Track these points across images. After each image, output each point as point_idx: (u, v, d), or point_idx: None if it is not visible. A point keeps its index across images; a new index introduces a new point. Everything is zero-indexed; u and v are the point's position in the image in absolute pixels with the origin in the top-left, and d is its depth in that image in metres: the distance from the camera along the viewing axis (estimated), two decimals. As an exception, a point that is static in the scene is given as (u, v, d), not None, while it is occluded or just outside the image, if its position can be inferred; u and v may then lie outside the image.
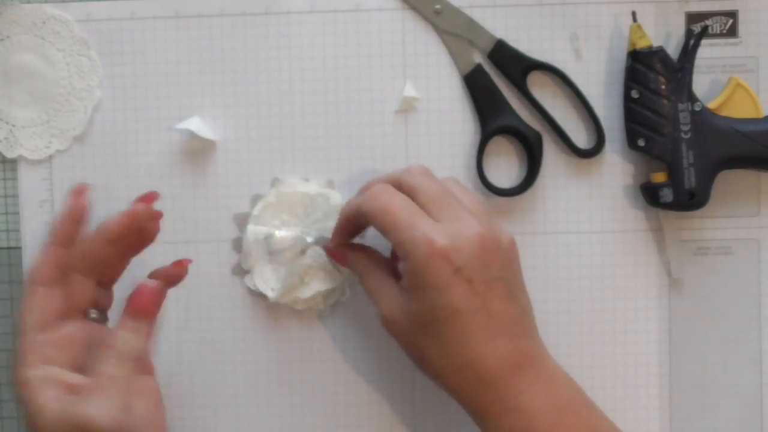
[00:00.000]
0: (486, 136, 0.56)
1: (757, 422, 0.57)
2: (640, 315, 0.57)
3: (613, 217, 0.57)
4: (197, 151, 0.58)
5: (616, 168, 0.57)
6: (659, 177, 0.55)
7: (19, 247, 0.58)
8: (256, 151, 0.57)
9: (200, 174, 0.58)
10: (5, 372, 0.58)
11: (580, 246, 0.57)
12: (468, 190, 0.52)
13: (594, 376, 0.57)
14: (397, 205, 0.48)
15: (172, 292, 0.56)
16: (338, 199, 0.56)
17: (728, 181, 0.56)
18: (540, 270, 0.57)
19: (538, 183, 0.57)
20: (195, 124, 0.56)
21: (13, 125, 0.57)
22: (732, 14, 0.56)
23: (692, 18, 0.57)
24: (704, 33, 0.55)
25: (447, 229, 0.47)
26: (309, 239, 0.54)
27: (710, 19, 0.56)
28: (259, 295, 0.56)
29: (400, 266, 0.48)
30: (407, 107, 0.57)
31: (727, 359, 0.57)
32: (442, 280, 0.46)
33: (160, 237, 0.57)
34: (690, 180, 0.54)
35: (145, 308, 0.48)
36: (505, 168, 0.57)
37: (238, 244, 0.57)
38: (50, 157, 0.58)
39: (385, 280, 0.50)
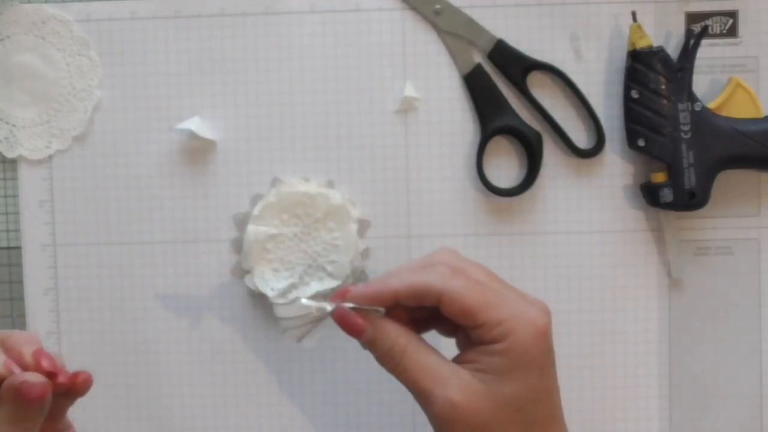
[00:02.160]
0: (486, 136, 0.56)
1: (757, 422, 0.57)
2: (640, 315, 0.57)
3: (613, 217, 0.57)
4: (197, 151, 0.58)
5: (616, 168, 0.57)
6: (659, 177, 0.55)
7: (19, 247, 0.58)
8: (256, 151, 0.57)
9: (200, 174, 0.58)
10: (5, 372, 0.58)
11: (580, 246, 0.57)
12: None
13: (594, 376, 0.57)
14: (482, 281, 0.44)
15: (172, 292, 0.56)
16: (338, 199, 0.56)
17: (728, 181, 0.56)
18: (540, 270, 0.57)
19: (538, 183, 0.57)
20: (195, 124, 0.56)
21: (13, 125, 0.57)
22: (732, 14, 0.56)
23: (692, 18, 0.57)
24: (704, 33, 0.55)
25: (529, 307, 0.44)
26: (329, 308, 0.45)
27: (710, 19, 0.56)
28: (259, 295, 0.56)
29: (493, 347, 0.43)
30: (407, 107, 0.57)
31: (727, 359, 0.57)
32: (544, 359, 0.44)
33: (161, 237, 0.58)
34: (690, 180, 0.54)
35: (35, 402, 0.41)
36: (505, 168, 0.57)
37: (237, 245, 0.57)
38: (50, 157, 0.58)
39: (443, 361, 0.44)
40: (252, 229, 0.55)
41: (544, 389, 0.44)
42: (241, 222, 0.57)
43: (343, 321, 0.44)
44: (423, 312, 0.46)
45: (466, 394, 0.43)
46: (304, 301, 0.45)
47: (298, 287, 0.56)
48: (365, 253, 0.57)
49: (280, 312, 0.46)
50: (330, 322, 0.45)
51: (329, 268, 0.56)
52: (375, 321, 0.44)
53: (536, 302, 0.45)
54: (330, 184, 0.57)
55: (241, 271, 0.57)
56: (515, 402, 0.43)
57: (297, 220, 0.56)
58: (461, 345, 0.47)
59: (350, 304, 0.44)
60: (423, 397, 0.43)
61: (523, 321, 0.43)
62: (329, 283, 0.56)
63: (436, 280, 0.44)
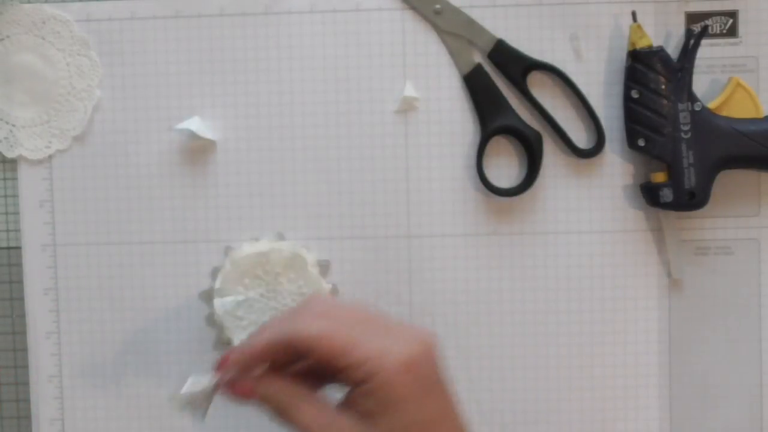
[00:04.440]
0: (486, 136, 0.56)
1: (757, 422, 0.57)
2: (640, 315, 0.57)
3: (613, 217, 0.57)
4: (197, 151, 0.58)
5: (616, 168, 0.57)
6: (659, 177, 0.55)
7: (19, 247, 0.58)
8: (256, 151, 0.57)
9: (200, 174, 0.58)
10: (5, 372, 0.58)
11: (580, 246, 0.57)
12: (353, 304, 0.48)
13: (594, 376, 0.57)
14: (347, 321, 0.44)
15: (172, 292, 0.57)
16: (290, 249, 0.56)
17: (728, 181, 0.56)
18: (540, 270, 0.57)
19: (538, 183, 0.57)
20: (195, 124, 0.56)
21: (13, 125, 0.57)
22: (732, 14, 0.56)
23: (692, 18, 0.57)
24: (704, 33, 0.55)
25: (397, 340, 0.43)
26: (210, 384, 0.45)
27: (710, 19, 0.56)
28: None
29: (362, 389, 0.42)
30: (407, 107, 0.57)
31: (727, 359, 0.57)
32: (414, 393, 0.42)
33: (161, 237, 0.58)
34: (690, 180, 0.54)
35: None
36: (505, 168, 0.57)
37: (212, 320, 0.57)
38: (50, 157, 0.58)
39: (327, 408, 0.44)
40: (218, 302, 0.55)
41: (424, 422, 0.43)
42: (208, 298, 0.57)
43: (231, 390, 0.45)
44: (308, 364, 0.46)
45: None
46: (185, 389, 0.45)
47: None
48: (333, 292, 0.57)
49: (176, 408, 0.46)
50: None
51: None
52: (262, 380, 0.45)
53: (410, 335, 0.44)
54: (280, 236, 0.57)
55: (222, 345, 0.57)
56: None
57: (259, 280, 0.56)
58: None
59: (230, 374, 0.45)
60: None
61: (388, 358, 0.42)
62: None
63: (299, 327, 0.43)
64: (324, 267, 0.57)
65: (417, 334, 0.44)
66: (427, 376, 0.43)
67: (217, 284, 0.56)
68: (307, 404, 0.44)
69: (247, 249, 0.56)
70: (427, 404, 0.43)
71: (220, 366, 0.45)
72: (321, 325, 0.43)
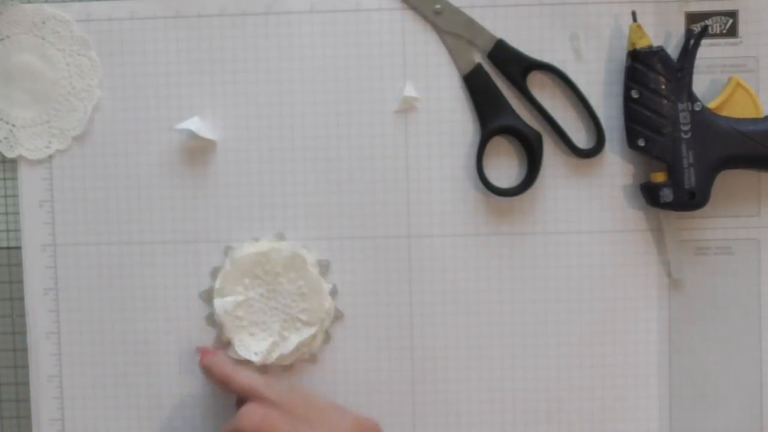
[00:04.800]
0: (486, 136, 0.56)
1: (757, 422, 0.57)
2: (640, 315, 0.57)
3: (613, 217, 0.57)
4: (197, 151, 0.58)
5: (616, 168, 0.57)
6: (659, 177, 0.55)
7: (19, 247, 0.58)
8: (256, 151, 0.57)
9: (200, 174, 0.58)
10: (5, 372, 0.58)
11: (580, 246, 0.57)
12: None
13: (594, 376, 0.57)
14: (275, 423, 0.50)
15: (172, 292, 0.57)
16: (290, 249, 0.56)
17: (728, 181, 0.56)
18: (540, 270, 0.57)
19: (538, 183, 0.57)
20: (195, 124, 0.56)
21: (13, 125, 0.57)
22: (732, 14, 0.56)
23: (692, 18, 0.57)
24: (704, 33, 0.55)
25: (326, 428, 0.51)
26: None
27: (710, 19, 0.56)
28: (245, 361, 0.56)
29: None
30: (407, 107, 0.57)
31: (727, 359, 0.57)
32: None
33: (160, 237, 0.58)
34: (690, 180, 0.54)
35: None
36: (505, 168, 0.57)
37: (212, 320, 0.57)
38: (50, 157, 0.58)
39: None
40: (218, 302, 0.56)
41: None
42: (208, 298, 0.57)
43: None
44: None
45: None
46: None
47: (279, 344, 0.56)
48: (333, 292, 0.57)
49: None
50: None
51: (303, 317, 0.56)
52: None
53: (344, 415, 0.52)
54: (280, 237, 0.57)
55: (222, 344, 0.57)
56: None
57: (259, 280, 0.56)
58: None
59: None
60: None
61: None
62: (307, 332, 0.56)
63: (239, 421, 0.50)
64: (324, 267, 0.57)
65: (348, 426, 0.52)
66: None
67: (217, 284, 0.56)
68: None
69: (247, 249, 0.56)
70: None
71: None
72: (255, 421, 0.50)
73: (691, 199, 0.54)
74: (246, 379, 0.53)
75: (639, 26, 0.55)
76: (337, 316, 0.57)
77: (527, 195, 0.57)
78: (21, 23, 0.57)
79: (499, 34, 0.57)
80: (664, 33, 0.57)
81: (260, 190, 0.57)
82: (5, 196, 0.58)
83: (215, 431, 0.58)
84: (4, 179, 0.58)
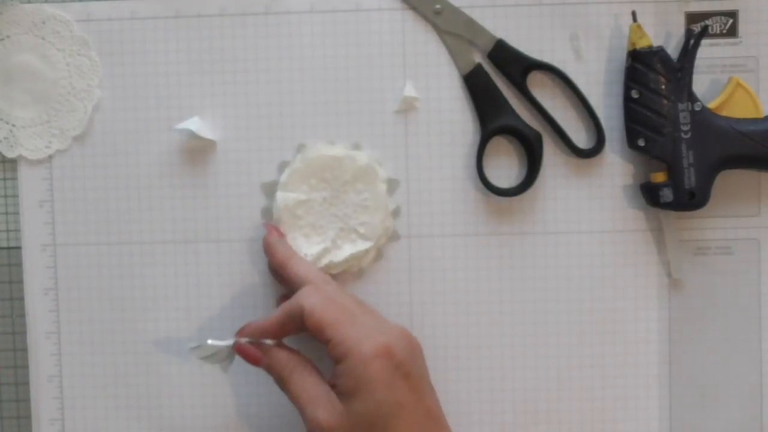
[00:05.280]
0: (486, 136, 0.56)
1: (757, 422, 0.57)
2: (640, 315, 0.57)
3: (613, 217, 0.57)
4: (197, 151, 0.58)
5: (616, 168, 0.57)
6: (659, 177, 0.55)
7: (19, 247, 0.58)
8: (256, 151, 0.57)
9: (200, 174, 0.58)
10: (5, 372, 0.58)
11: (580, 246, 0.57)
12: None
13: (594, 376, 0.57)
14: (341, 303, 0.49)
15: (172, 292, 0.57)
16: (365, 160, 0.55)
17: (728, 181, 0.56)
18: (540, 270, 0.57)
19: (538, 183, 0.57)
20: (195, 124, 0.56)
21: (13, 125, 0.57)
22: (732, 14, 0.56)
23: (692, 18, 0.57)
24: (704, 33, 0.55)
25: (378, 326, 0.49)
26: (232, 343, 0.51)
27: (710, 19, 0.56)
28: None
29: (339, 368, 0.48)
30: (407, 107, 0.57)
31: (727, 359, 0.57)
32: (386, 376, 0.47)
33: (161, 237, 0.58)
34: (690, 180, 0.54)
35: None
36: (505, 168, 0.57)
37: (267, 214, 0.57)
38: (50, 157, 0.58)
39: (318, 383, 0.49)
40: (281, 196, 0.55)
41: (395, 403, 0.47)
42: (270, 190, 0.57)
43: (243, 354, 0.51)
44: None
45: (329, 413, 0.47)
46: (210, 342, 0.51)
47: (331, 251, 0.55)
48: (396, 212, 0.57)
49: (197, 354, 0.52)
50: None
51: (361, 230, 0.55)
52: (270, 351, 0.51)
53: (390, 329, 0.49)
54: (356, 146, 0.57)
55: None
56: (366, 418, 0.47)
57: (325, 184, 0.55)
58: None
59: (246, 339, 0.51)
60: (301, 415, 0.49)
61: (364, 342, 0.47)
62: (362, 245, 0.55)
63: (299, 297, 0.49)
64: (393, 185, 0.57)
65: (399, 330, 0.49)
66: (400, 365, 0.47)
67: (283, 178, 0.55)
68: (301, 377, 0.49)
69: (322, 150, 0.56)
70: (397, 389, 0.47)
71: (239, 333, 0.51)
72: (315, 301, 0.49)
73: (691, 199, 0.54)
74: (304, 267, 0.52)
75: (639, 26, 0.55)
76: (394, 237, 0.57)
77: (527, 195, 0.57)
78: (21, 23, 0.57)
79: (499, 34, 0.57)
80: (664, 33, 0.57)
81: (260, 190, 0.57)
82: (5, 196, 0.58)
83: (216, 431, 0.58)
84: (4, 179, 0.58)
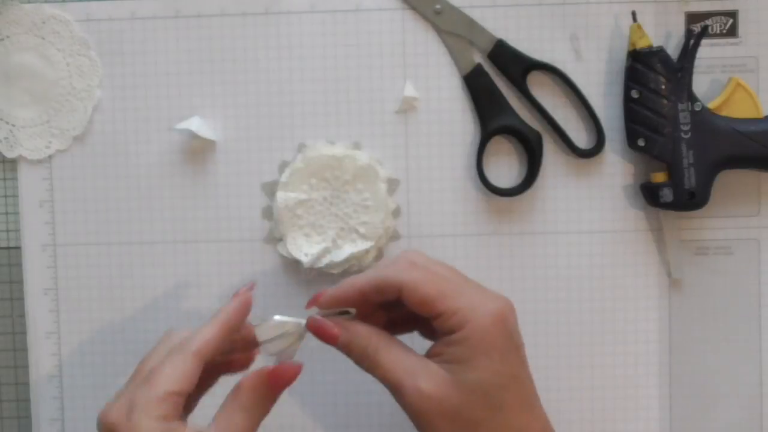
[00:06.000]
0: (486, 136, 0.56)
1: (757, 422, 0.57)
2: (640, 315, 0.57)
3: (613, 217, 0.57)
4: (197, 151, 0.58)
5: (616, 168, 0.57)
6: (659, 177, 0.55)
7: (19, 247, 0.58)
8: (256, 151, 0.57)
9: (200, 174, 0.58)
10: (5, 372, 0.58)
11: (580, 246, 0.57)
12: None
13: (594, 376, 0.57)
14: (442, 274, 0.45)
15: (172, 292, 0.57)
16: (365, 159, 0.55)
17: (728, 181, 0.56)
18: (540, 270, 0.57)
19: (538, 183, 0.57)
20: (195, 124, 0.56)
21: (13, 125, 0.57)
22: (732, 14, 0.56)
23: (692, 18, 0.57)
24: (704, 33, 0.55)
25: (484, 294, 0.45)
26: (304, 322, 0.46)
27: (710, 19, 0.56)
28: (292, 262, 0.56)
29: (453, 337, 0.44)
30: (407, 107, 0.57)
31: (727, 359, 0.57)
32: (504, 344, 0.44)
33: (161, 237, 0.58)
34: (690, 180, 0.54)
35: (283, 383, 0.46)
36: (505, 168, 0.57)
37: (268, 213, 0.57)
38: (50, 157, 0.58)
39: (411, 353, 0.45)
40: (281, 195, 0.55)
41: (509, 375, 0.44)
42: (270, 190, 0.57)
43: (318, 331, 0.46)
44: (400, 313, 0.48)
45: (433, 383, 0.44)
46: (277, 317, 0.46)
47: (332, 251, 0.55)
48: (396, 212, 0.57)
49: (261, 335, 0.46)
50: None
51: (361, 229, 0.56)
52: (347, 326, 0.46)
53: (497, 296, 0.46)
54: (356, 146, 0.57)
55: (274, 240, 0.57)
56: (481, 388, 0.43)
57: (326, 183, 0.55)
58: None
59: (321, 313, 0.46)
60: (395, 389, 0.45)
61: (479, 310, 0.44)
62: (362, 245, 0.55)
63: (395, 272, 0.45)
64: (393, 185, 0.57)
65: (503, 298, 0.46)
66: (512, 334, 0.45)
67: (284, 177, 0.55)
68: (391, 349, 0.45)
69: (322, 149, 0.56)
70: (512, 359, 0.44)
71: (312, 301, 0.46)
72: (417, 274, 0.45)
73: (691, 199, 0.54)
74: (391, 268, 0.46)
75: (639, 26, 0.55)
76: (394, 237, 0.57)
77: (527, 195, 0.57)
78: (21, 23, 0.57)
79: (499, 34, 0.57)
80: (664, 33, 0.57)
81: (260, 191, 0.57)
82: (5, 196, 0.58)
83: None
84: (4, 179, 0.58)
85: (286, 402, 0.58)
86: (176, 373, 0.44)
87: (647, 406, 0.58)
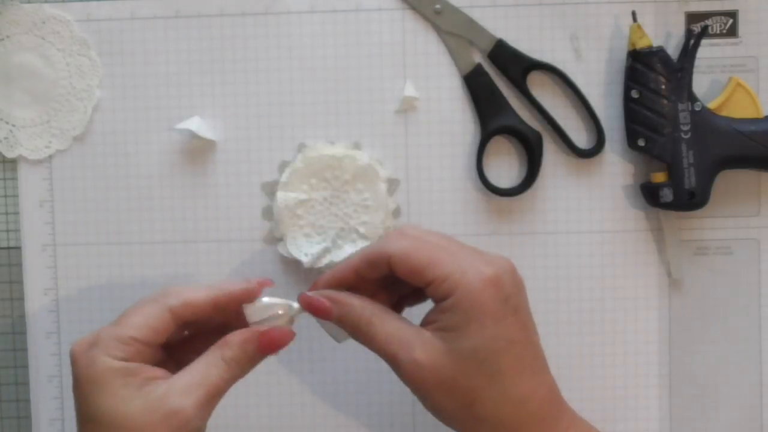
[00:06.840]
0: (486, 136, 0.56)
1: (757, 422, 0.57)
2: (640, 315, 0.57)
3: (613, 217, 0.57)
4: (197, 151, 0.58)
5: (616, 168, 0.57)
6: (659, 177, 0.55)
7: (19, 247, 0.58)
8: (256, 152, 0.57)
9: (200, 174, 0.58)
10: (5, 372, 0.58)
11: (580, 246, 0.57)
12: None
13: (594, 376, 0.57)
14: (434, 242, 0.45)
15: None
16: (366, 159, 0.55)
17: (728, 181, 0.56)
18: (540, 270, 0.57)
19: (538, 183, 0.57)
20: (195, 124, 0.56)
21: (13, 125, 0.57)
22: (732, 14, 0.56)
23: (692, 18, 0.57)
24: (704, 33, 0.55)
25: (481, 257, 0.44)
26: (296, 305, 0.46)
27: (710, 19, 0.56)
28: (292, 262, 0.56)
29: (444, 304, 0.43)
30: (407, 107, 0.57)
31: (727, 359, 0.57)
32: (497, 309, 0.43)
33: (160, 237, 0.58)
34: (690, 180, 0.54)
35: (273, 346, 0.46)
36: (505, 168, 0.57)
37: (268, 213, 0.57)
38: (50, 157, 0.58)
39: (405, 324, 0.45)
40: (281, 195, 0.55)
41: (505, 339, 0.43)
42: (270, 190, 0.57)
43: (310, 307, 0.46)
44: (406, 290, 0.47)
45: (428, 352, 0.43)
46: (265, 300, 0.46)
47: (332, 251, 0.55)
48: (396, 212, 0.57)
49: (250, 316, 0.46)
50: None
51: (361, 229, 0.55)
52: (339, 299, 0.45)
53: (494, 259, 0.45)
54: (356, 146, 0.57)
55: (274, 240, 0.57)
56: (475, 354, 0.43)
57: (326, 183, 0.55)
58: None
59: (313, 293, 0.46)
60: (391, 360, 0.44)
61: (470, 274, 0.43)
62: (362, 245, 0.55)
63: (384, 243, 0.45)
64: (393, 185, 0.57)
65: (499, 259, 0.45)
66: (509, 297, 0.44)
67: (284, 177, 0.55)
68: (384, 320, 0.45)
69: (322, 149, 0.56)
70: (508, 323, 0.43)
71: (310, 290, 0.47)
72: (405, 244, 0.44)
73: (691, 199, 0.54)
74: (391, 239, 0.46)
75: (639, 26, 0.55)
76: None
77: (527, 195, 0.57)
78: (21, 23, 0.57)
79: (499, 34, 0.57)
80: (664, 33, 0.57)
81: (260, 191, 0.57)
82: (5, 196, 0.58)
83: (215, 430, 0.58)
84: (4, 179, 0.58)
85: (285, 403, 0.58)
86: (144, 322, 0.45)
87: (647, 406, 0.58)
